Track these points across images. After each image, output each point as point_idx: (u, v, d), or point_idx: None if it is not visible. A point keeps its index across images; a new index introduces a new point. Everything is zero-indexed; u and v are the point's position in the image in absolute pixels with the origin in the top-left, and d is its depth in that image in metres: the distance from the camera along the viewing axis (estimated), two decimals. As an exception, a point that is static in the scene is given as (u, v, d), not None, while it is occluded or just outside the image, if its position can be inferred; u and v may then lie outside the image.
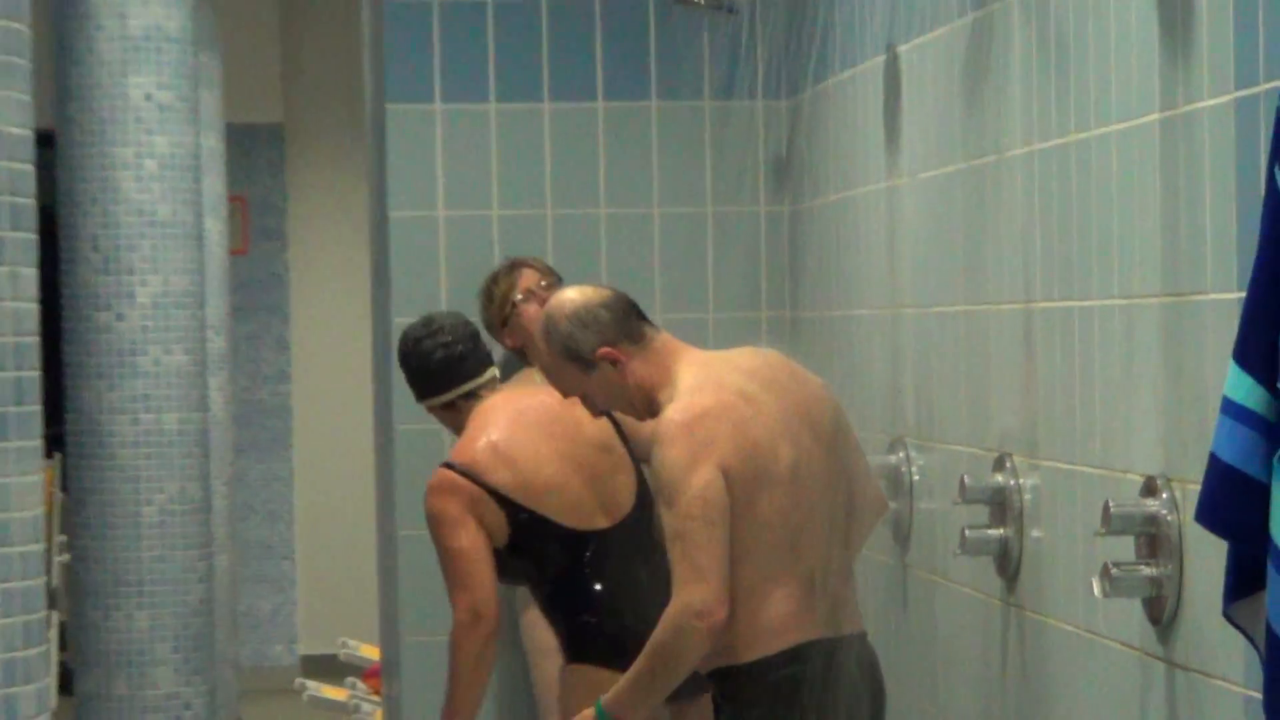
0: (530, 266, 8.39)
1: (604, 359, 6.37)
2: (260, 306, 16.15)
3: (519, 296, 8.30)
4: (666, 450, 6.34)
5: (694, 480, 6.26)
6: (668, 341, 6.49)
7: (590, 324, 6.38)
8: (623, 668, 6.58)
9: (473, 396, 7.26)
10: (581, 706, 6.84)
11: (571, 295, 6.62)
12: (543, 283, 8.35)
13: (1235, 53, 4.89)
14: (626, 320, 6.41)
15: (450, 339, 7.31)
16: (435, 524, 7.18)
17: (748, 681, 6.48)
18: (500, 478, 7.12)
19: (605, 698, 6.43)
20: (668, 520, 6.34)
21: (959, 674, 6.87)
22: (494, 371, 7.40)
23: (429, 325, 7.50)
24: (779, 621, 6.40)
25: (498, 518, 7.17)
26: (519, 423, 7.30)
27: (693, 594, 6.21)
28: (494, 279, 8.47)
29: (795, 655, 6.37)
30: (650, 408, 6.49)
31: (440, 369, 7.29)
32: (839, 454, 6.56)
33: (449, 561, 7.25)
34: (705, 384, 6.44)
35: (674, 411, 6.41)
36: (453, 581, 7.32)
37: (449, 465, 7.26)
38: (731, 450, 6.35)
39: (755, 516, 6.37)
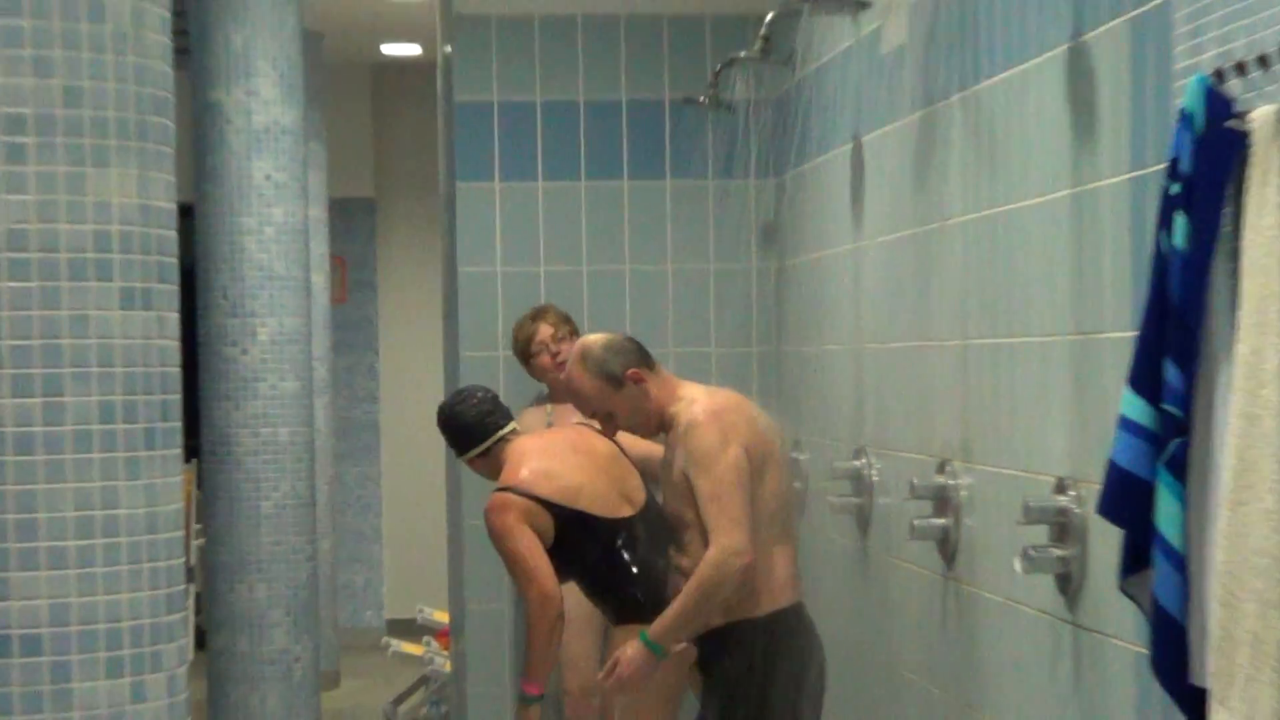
0: (547, 318, 8.55)
1: (631, 379, 6.69)
2: (355, 344, 16.15)
3: (535, 349, 8.48)
4: (703, 432, 6.62)
5: (727, 453, 6.60)
6: (669, 374, 6.87)
7: (620, 352, 6.73)
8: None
9: (502, 442, 7.32)
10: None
11: (600, 334, 6.95)
12: (557, 334, 8.50)
13: (1130, 142, 4.86)
14: (643, 354, 6.73)
15: (478, 401, 7.44)
16: (498, 536, 7.16)
17: (763, 631, 6.71)
18: (544, 489, 7.11)
19: (649, 629, 6.59)
20: (705, 485, 6.58)
21: (909, 635, 6.84)
22: (514, 424, 7.49)
23: (460, 394, 7.66)
24: (783, 581, 6.75)
25: (546, 521, 7.15)
26: (547, 448, 7.38)
27: (731, 538, 6.50)
28: (520, 325, 8.66)
29: (796, 611, 6.77)
30: (662, 422, 6.79)
31: (475, 425, 7.37)
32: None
33: (515, 564, 7.24)
34: (713, 394, 6.86)
35: (701, 407, 6.70)
36: (521, 578, 7.35)
37: (502, 489, 7.23)
38: (748, 434, 6.72)
39: (764, 490, 6.74)
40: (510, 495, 7.23)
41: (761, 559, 6.65)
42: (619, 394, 6.73)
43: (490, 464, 7.38)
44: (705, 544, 6.64)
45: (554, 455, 7.31)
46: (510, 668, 9.07)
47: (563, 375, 7.01)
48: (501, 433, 7.35)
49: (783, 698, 6.75)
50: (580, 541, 7.25)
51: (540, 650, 7.49)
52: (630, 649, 6.57)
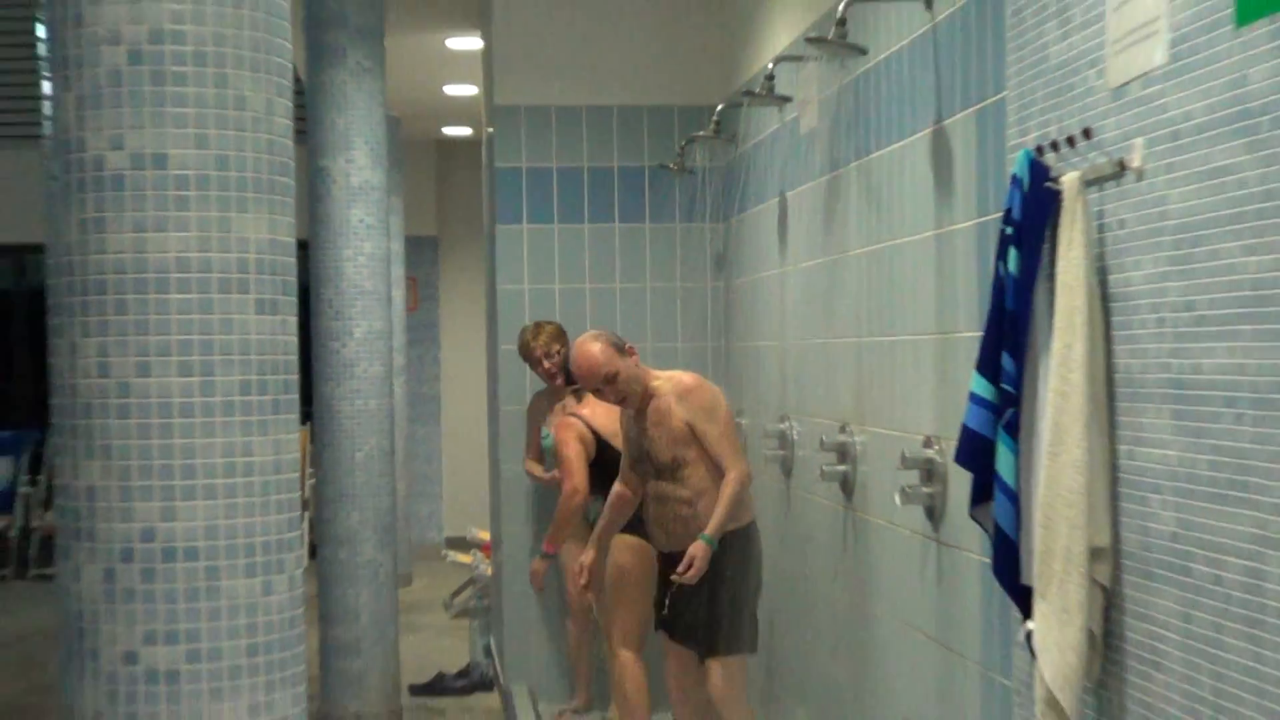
0: (539, 338, 8.55)
1: (630, 351, 6.86)
2: (423, 340, 16.12)
3: (535, 357, 8.54)
4: (702, 391, 6.79)
5: (722, 405, 6.83)
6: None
7: (615, 338, 6.89)
8: (642, 534, 7.20)
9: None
10: (622, 556, 7.51)
11: (595, 330, 7.09)
12: (554, 347, 8.49)
13: (976, 197, 4.84)
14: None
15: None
16: (559, 444, 7.97)
17: (750, 536, 6.85)
18: (595, 422, 7.98)
19: (706, 532, 6.60)
20: (714, 429, 6.70)
21: (820, 551, 6.80)
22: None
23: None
24: (748, 503, 6.84)
25: (590, 443, 7.99)
26: (599, 405, 7.71)
27: (743, 463, 6.72)
28: (523, 332, 8.63)
29: (754, 523, 6.91)
30: (645, 393, 6.82)
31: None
32: None
33: (562, 462, 7.96)
34: (685, 372, 7.00)
35: (689, 378, 6.87)
36: (564, 472, 7.99)
37: (571, 414, 8.11)
38: (723, 395, 6.96)
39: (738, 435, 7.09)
40: (573, 419, 8.07)
41: None
42: (624, 360, 6.75)
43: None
44: (707, 474, 6.70)
45: (604, 409, 7.69)
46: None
47: (575, 354, 6.91)
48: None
49: (755, 580, 6.88)
50: (606, 464, 7.63)
51: (561, 523, 8.16)
52: (696, 547, 6.56)
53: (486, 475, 10.86)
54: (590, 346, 6.80)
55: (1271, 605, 3.11)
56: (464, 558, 11.77)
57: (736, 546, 6.74)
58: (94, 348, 3.28)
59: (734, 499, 6.64)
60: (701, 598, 6.73)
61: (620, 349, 6.77)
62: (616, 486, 7.17)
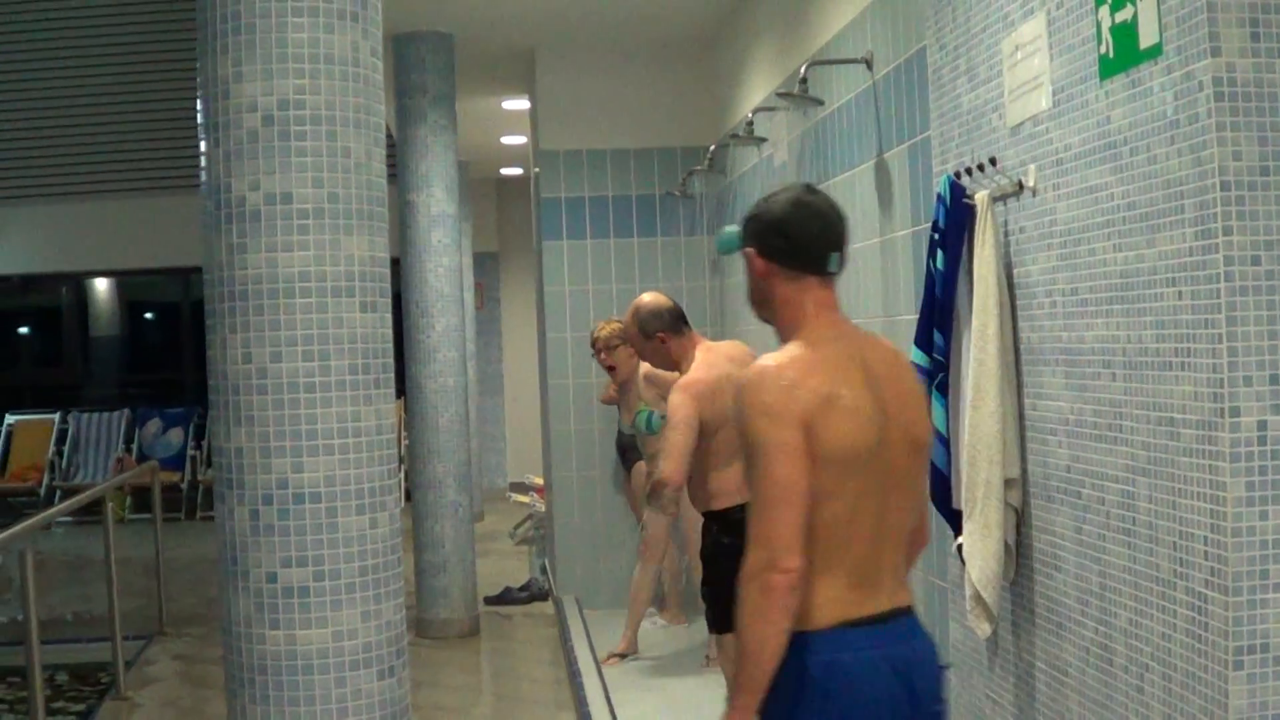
0: (607, 327, 7.88)
1: (658, 339, 5.56)
2: (489, 332, 16.09)
3: (595, 348, 7.95)
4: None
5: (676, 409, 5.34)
6: (695, 335, 5.60)
7: (656, 316, 5.58)
8: None
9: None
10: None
11: (652, 296, 5.74)
12: (613, 342, 7.79)
13: (911, 211, 4.83)
14: (675, 320, 5.55)
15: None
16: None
17: (738, 517, 5.90)
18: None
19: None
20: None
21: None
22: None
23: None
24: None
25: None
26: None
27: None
28: (595, 329, 8.03)
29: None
30: (679, 369, 5.52)
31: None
32: None
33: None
34: (714, 362, 5.44)
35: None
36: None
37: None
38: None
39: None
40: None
41: None
42: (646, 344, 5.57)
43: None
44: None
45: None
46: (578, 507, 9.08)
47: (625, 321, 5.80)
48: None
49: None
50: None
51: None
52: None
53: (539, 434, 10.88)
54: (628, 317, 5.77)
55: (1141, 519, 3.12)
56: (523, 498, 11.77)
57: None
58: (239, 341, 3.30)
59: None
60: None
61: (646, 334, 5.62)
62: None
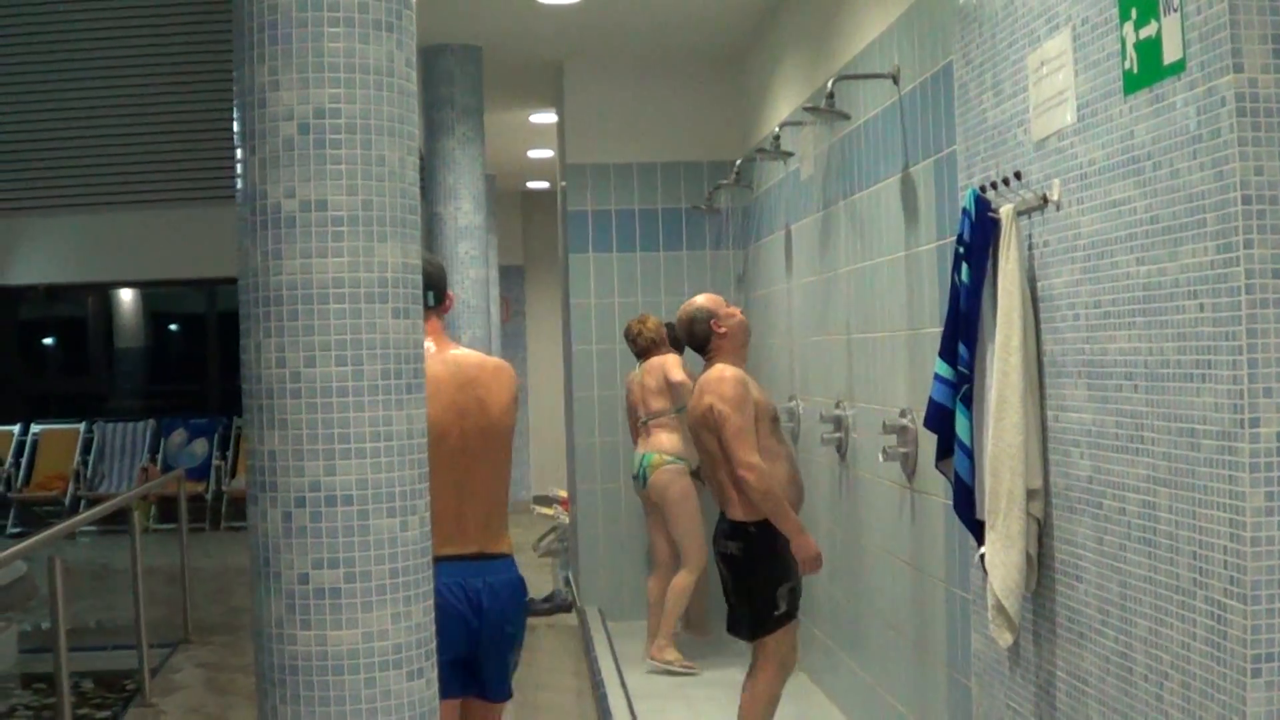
0: (636, 325, 8.16)
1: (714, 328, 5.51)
2: (515, 344, 16.11)
3: (632, 336, 8.13)
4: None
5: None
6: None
7: (691, 315, 5.58)
8: None
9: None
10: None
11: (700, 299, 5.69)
12: (645, 333, 8.06)
13: (936, 225, 4.86)
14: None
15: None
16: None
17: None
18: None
19: None
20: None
21: (822, 501, 6.82)
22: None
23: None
24: None
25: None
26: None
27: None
28: (629, 325, 8.18)
29: None
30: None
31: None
32: None
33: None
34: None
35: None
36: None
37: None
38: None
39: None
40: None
41: None
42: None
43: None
44: None
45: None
46: (602, 519, 9.11)
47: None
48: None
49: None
50: None
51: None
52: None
53: (563, 447, 10.92)
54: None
55: (1162, 529, 3.16)
56: (548, 511, 11.82)
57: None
58: (273, 346, 3.34)
59: None
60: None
61: (673, 335, 5.63)
62: (762, 462, 5.32)
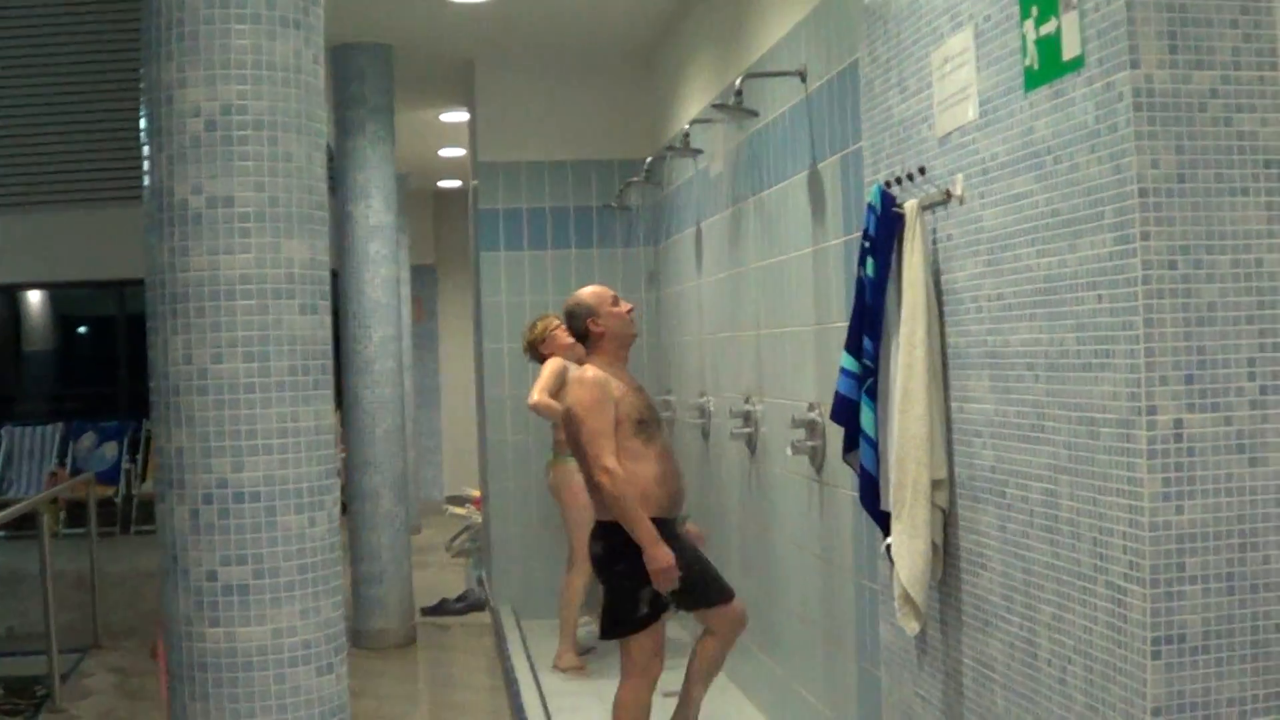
0: (547, 319, 8.00)
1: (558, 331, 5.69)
2: (426, 344, 16.08)
3: (547, 335, 7.89)
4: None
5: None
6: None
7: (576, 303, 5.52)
8: None
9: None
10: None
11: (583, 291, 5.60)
12: (553, 325, 7.73)
13: (843, 220, 4.89)
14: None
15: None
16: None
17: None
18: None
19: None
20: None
21: (731, 494, 6.83)
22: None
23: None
24: None
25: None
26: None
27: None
28: (532, 324, 7.87)
29: None
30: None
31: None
32: None
33: None
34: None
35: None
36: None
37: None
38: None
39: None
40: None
41: None
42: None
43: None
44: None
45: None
46: (515, 518, 9.09)
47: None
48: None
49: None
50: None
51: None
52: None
53: (475, 446, 10.90)
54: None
55: (1063, 516, 3.20)
56: (460, 510, 11.77)
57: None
58: (180, 343, 3.32)
59: None
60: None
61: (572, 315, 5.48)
62: (618, 466, 5.16)
